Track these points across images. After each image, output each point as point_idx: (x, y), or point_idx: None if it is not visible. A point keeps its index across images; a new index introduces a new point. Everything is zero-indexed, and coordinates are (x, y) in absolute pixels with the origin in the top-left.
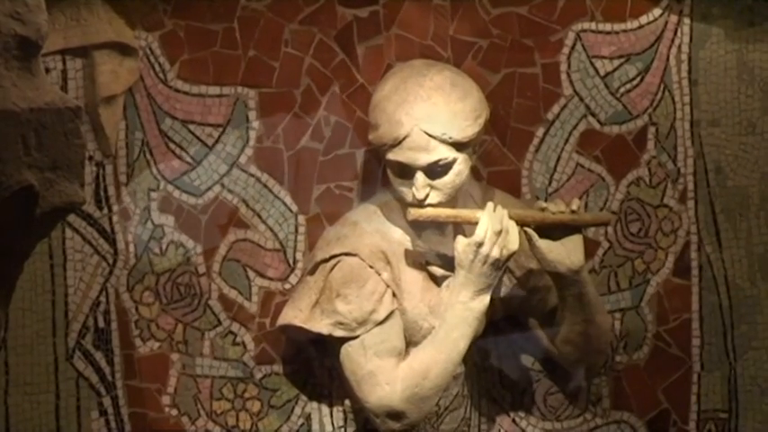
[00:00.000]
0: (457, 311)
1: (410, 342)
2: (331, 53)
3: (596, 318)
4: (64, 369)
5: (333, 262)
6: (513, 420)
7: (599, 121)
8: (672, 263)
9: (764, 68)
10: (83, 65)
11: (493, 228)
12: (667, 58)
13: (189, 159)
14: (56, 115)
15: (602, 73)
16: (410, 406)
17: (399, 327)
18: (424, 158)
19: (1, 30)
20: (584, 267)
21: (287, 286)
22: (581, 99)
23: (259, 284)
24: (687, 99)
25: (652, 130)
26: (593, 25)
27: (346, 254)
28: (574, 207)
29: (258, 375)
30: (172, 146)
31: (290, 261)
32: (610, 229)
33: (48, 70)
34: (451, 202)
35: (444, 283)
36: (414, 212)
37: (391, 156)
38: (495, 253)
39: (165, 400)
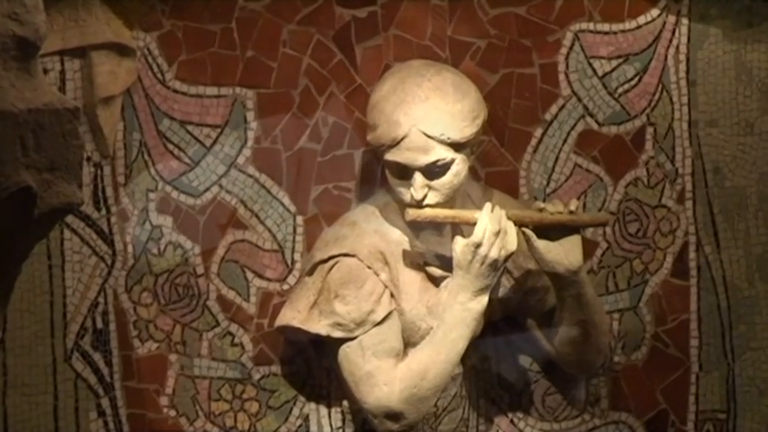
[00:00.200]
0: (455, 312)
1: (408, 343)
2: (329, 53)
3: (595, 318)
4: (62, 370)
5: (331, 263)
6: (512, 421)
7: (597, 122)
8: (670, 263)
9: (762, 69)
10: (81, 65)
11: (491, 228)
12: (665, 59)
13: (187, 160)
14: (54, 116)
15: (600, 73)
16: (408, 407)
17: (397, 327)
18: (423, 159)
19: None
20: (583, 268)
21: (285, 287)
22: (579, 99)
23: (257, 285)
24: (685, 99)
25: (650, 130)
26: (591, 25)
27: (345, 254)
28: (572, 207)
29: (256, 376)
30: (170, 146)
31: (289, 262)
32: (608, 230)
33: (46, 71)
34: (450, 202)
35: (443, 284)
36: (412, 213)
37: (389, 156)
38: (494, 253)
39: (164, 400)
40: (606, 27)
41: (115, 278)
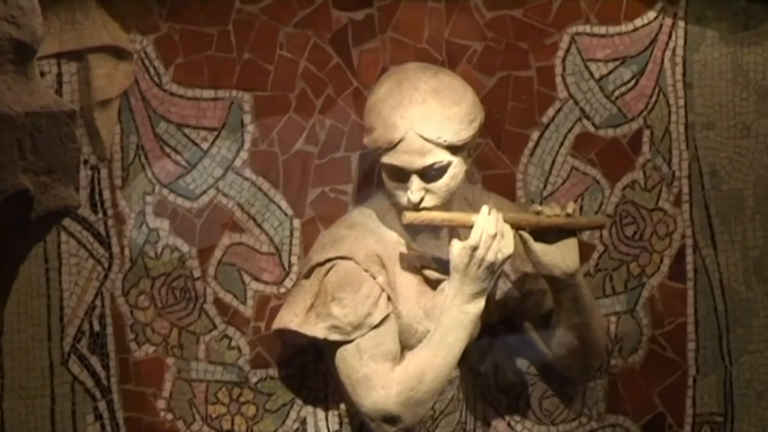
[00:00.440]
0: (452, 315)
1: (405, 346)
2: (326, 56)
3: (592, 321)
4: (59, 373)
5: (328, 266)
6: (509, 424)
7: (594, 125)
8: (667, 266)
9: (759, 71)
10: (78, 68)
11: (488, 231)
12: (662, 61)
13: (184, 163)
14: (51, 119)
15: (596, 76)
16: (405, 410)
17: (394, 330)
18: (419, 162)
19: None
20: (580, 271)
21: (282, 290)
22: (576, 102)
23: (254, 288)
24: (682, 102)
25: (647, 133)
26: (587, 28)
27: (341, 257)
28: (569, 210)
29: (253, 379)
30: (167, 149)
31: (286, 265)
32: (605, 233)
33: (43, 74)
34: (446, 205)
35: (440, 287)
36: (409, 216)
37: (386, 159)
38: (491, 256)
39: (161, 404)
40: (603, 30)
41: (112, 281)
